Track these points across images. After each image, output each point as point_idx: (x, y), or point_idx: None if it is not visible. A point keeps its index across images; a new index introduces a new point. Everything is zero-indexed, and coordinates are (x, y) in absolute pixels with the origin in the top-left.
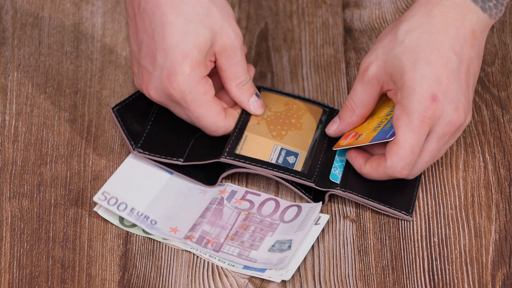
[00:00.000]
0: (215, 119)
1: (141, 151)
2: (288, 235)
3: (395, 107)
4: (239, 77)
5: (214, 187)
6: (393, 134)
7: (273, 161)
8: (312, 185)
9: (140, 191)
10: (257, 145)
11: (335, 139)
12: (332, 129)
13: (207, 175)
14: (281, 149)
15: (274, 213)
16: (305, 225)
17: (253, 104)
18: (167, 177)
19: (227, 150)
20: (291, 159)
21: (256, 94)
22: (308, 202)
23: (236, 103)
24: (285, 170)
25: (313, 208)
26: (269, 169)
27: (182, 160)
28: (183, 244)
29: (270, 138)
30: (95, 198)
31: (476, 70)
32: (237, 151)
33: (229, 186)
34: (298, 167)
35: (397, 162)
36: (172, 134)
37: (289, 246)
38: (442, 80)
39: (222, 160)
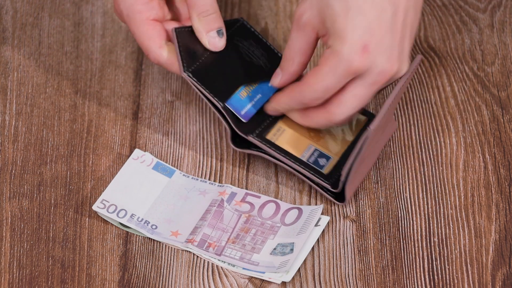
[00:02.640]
0: (147, 42)
1: (190, 76)
2: (290, 238)
3: (325, 51)
4: (201, 6)
5: (213, 188)
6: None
7: (304, 159)
8: (329, 186)
9: (139, 197)
10: (292, 140)
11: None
12: (276, 81)
13: (238, 136)
14: (315, 149)
15: (274, 216)
16: (307, 228)
17: (209, 39)
18: (165, 180)
19: (257, 132)
20: (322, 161)
21: (219, 31)
22: (329, 201)
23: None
24: (310, 169)
25: (314, 211)
26: (296, 164)
27: (222, 104)
28: (184, 247)
29: (307, 138)
30: (94, 207)
31: (413, 20)
32: (268, 137)
33: (229, 188)
34: (327, 170)
35: (309, 92)
36: (224, 73)
37: (291, 250)
38: (374, 30)
39: (250, 139)
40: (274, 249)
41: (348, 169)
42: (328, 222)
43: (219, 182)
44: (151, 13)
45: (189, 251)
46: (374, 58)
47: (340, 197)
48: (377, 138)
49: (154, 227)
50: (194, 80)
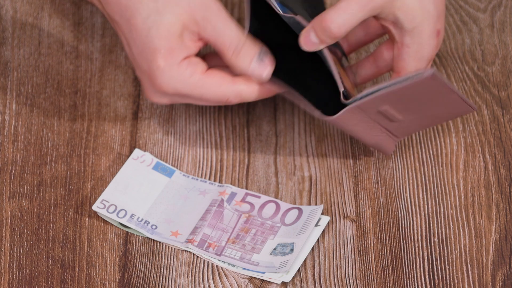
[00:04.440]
0: (217, 90)
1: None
2: (290, 238)
3: (398, 46)
4: (232, 43)
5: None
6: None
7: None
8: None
9: (139, 196)
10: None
11: None
12: (312, 48)
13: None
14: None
15: (274, 216)
16: (307, 228)
17: (253, 71)
18: (165, 180)
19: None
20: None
21: (258, 56)
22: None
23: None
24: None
25: (314, 211)
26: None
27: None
28: (184, 247)
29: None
30: (94, 207)
31: None
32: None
33: (229, 188)
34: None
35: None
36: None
37: (291, 250)
38: (441, 12)
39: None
40: (274, 249)
41: (373, 91)
42: (328, 222)
43: (219, 182)
44: (201, 67)
45: (189, 251)
46: (442, 32)
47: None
48: (432, 96)
49: (154, 227)
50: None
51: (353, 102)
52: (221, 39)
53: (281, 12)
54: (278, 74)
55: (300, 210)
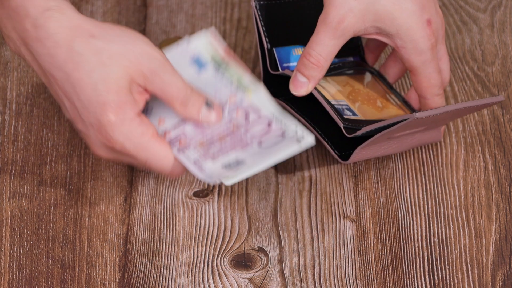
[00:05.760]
0: (164, 160)
1: (257, 7)
2: (250, 158)
3: (396, 51)
4: (179, 95)
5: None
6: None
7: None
8: (341, 124)
9: None
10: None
11: None
12: (302, 91)
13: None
14: (345, 104)
15: (258, 137)
16: (275, 153)
17: (203, 118)
18: (194, 72)
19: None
20: (347, 113)
21: (206, 104)
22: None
23: None
24: (334, 110)
25: (294, 137)
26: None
27: (269, 46)
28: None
29: (346, 98)
30: None
31: None
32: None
33: (240, 93)
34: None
35: (436, 90)
36: (292, 25)
37: (238, 167)
38: (424, 3)
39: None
40: (229, 163)
41: (372, 129)
42: (328, 222)
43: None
44: (151, 129)
45: (190, 252)
46: (435, 21)
47: (345, 156)
48: (415, 129)
49: (150, 108)
50: (257, 12)
51: (357, 131)
52: (168, 91)
53: (277, 71)
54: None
55: (283, 133)
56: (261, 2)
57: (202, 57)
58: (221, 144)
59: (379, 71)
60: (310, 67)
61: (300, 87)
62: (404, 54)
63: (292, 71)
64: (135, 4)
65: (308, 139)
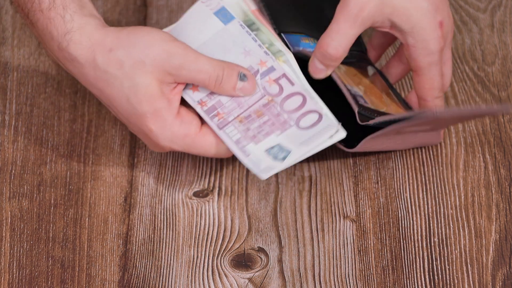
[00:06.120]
0: (212, 150)
1: None
2: (291, 144)
3: (405, 49)
4: (210, 79)
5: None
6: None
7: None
8: (355, 107)
9: (188, 40)
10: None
11: None
12: (321, 75)
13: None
14: (358, 92)
15: (294, 112)
16: (313, 141)
17: (240, 91)
18: (219, 27)
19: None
20: (361, 100)
21: (240, 78)
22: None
23: None
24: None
25: (330, 126)
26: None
27: (277, 31)
28: (193, 106)
29: (357, 87)
30: None
31: None
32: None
33: (271, 61)
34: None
35: (436, 92)
36: (300, 16)
37: (283, 158)
38: (438, 4)
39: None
40: (272, 147)
41: (385, 120)
42: (328, 222)
43: (219, 182)
44: (195, 121)
45: (189, 252)
46: (447, 24)
47: (350, 143)
48: (424, 127)
49: None
50: (261, 2)
51: (370, 120)
52: (199, 78)
53: (292, 49)
54: None
55: (320, 116)
56: None
57: (228, 11)
58: (260, 121)
59: (381, 70)
60: (328, 57)
61: (318, 73)
62: (412, 53)
63: (310, 51)
64: (135, 4)
65: (341, 133)
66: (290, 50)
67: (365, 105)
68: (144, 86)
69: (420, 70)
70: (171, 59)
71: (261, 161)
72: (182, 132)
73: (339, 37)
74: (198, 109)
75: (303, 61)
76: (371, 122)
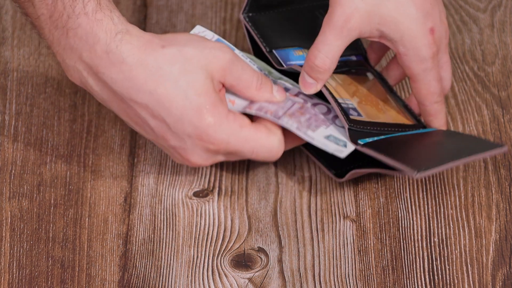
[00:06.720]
0: (268, 144)
1: (247, 19)
2: (342, 136)
3: (397, 57)
4: (253, 80)
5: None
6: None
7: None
8: (346, 124)
9: None
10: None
11: None
12: (312, 90)
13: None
14: (351, 104)
15: (327, 114)
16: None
17: (277, 94)
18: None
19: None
20: (353, 113)
21: (273, 82)
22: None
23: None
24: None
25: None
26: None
27: (268, 49)
28: (243, 111)
29: (351, 97)
30: None
31: None
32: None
33: (284, 84)
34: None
35: (435, 97)
36: (288, 30)
37: (345, 145)
38: (428, 10)
39: (359, 148)
40: (328, 136)
41: (374, 154)
42: (328, 222)
43: (219, 182)
44: (245, 119)
45: (189, 252)
46: (439, 30)
47: (340, 173)
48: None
49: None
50: (249, 24)
51: (359, 140)
52: (244, 78)
53: (283, 67)
54: None
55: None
56: (250, 14)
57: (224, 41)
58: (305, 117)
59: (381, 72)
60: (316, 69)
61: (309, 87)
62: (405, 61)
63: (300, 66)
64: (135, 4)
65: (350, 147)
66: (283, 67)
67: (358, 118)
68: (200, 80)
69: (415, 76)
70: (224, 54)
71: (328, 145)
72: (238, 123)
73: (325, 49)
74: (247, 111)
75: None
76: (365, 151)
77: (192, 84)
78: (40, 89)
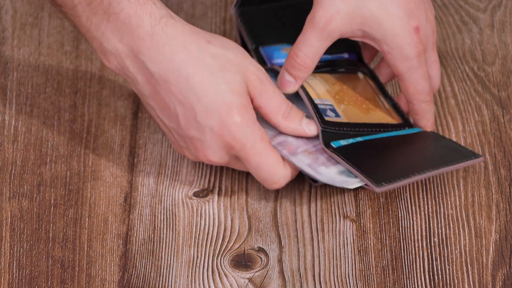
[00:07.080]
0: (274, 167)
1: (237, 13)
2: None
3: (383, 55)
4: (281, 106)
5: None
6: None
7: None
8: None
9: None
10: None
11: None
12: (289, 89)
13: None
14: (330, 104)
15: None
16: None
17: (306, 126)
18: None
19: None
20: (330, 114)
21: (305, 116)
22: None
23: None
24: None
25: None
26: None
27: (254, 46)
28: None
29: (332, 97)
30: None
31: None
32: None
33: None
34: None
35: (423, 96)
36: (276, 26)
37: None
38: (412, 9)
39: (331, 152)
40: (342, 171)
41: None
42: (328, 222)
43: (219, 182)
44: (267, 137)
45: (189, 251)
46: (424, 29)
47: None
48: None
49: None
50: (239, 18)
51: (331, 141)
52: (273, 102)
53: (266, 66)
54: None
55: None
56: (241, 8)
57: None
58: (325, 154)
59: (373, 70)
60: (297, 67)
61: (287, 86)
62: (390, 60)
63: (280, 67)
64: None
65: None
66: (266, 66)
67: (333, 119)
68: (237, 81)
69: (401, 75)
70: (258, 71)
71: (335, 179)
72: (260, 134)
73: (306, 49)
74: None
75: None
76: (329, 151)
77: (229, 82)
78: (40, 89)
